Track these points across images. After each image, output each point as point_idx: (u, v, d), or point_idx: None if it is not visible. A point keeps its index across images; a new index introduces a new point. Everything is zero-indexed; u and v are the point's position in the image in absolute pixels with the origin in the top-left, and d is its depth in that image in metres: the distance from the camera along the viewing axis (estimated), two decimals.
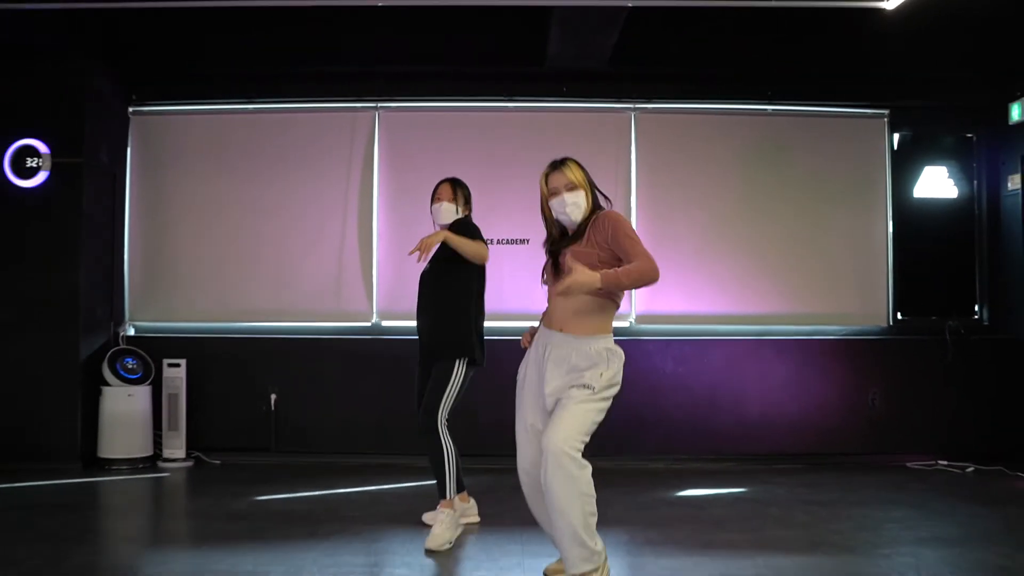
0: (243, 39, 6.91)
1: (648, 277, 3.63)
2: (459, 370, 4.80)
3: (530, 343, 4.02)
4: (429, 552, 4.47)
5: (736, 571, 4.18)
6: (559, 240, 4.01)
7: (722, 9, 6.27)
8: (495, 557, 4.40)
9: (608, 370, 3.74)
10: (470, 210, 5.14)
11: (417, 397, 4.97)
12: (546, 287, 4.00)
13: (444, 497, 4.74)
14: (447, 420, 4.78)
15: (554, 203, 3.92)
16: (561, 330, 3.81)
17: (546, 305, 3.97)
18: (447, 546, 4.55)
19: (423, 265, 4.98)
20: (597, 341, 3.79)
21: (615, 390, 3.78)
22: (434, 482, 4.82)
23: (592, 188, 3.96)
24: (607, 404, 3.75)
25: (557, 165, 3.96)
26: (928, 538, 4.77)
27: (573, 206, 3.89)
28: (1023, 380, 7.15)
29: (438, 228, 5.02)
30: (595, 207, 3.94)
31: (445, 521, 4.64)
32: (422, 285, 5.05)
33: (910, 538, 4.78)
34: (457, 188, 5.09)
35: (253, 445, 7.11)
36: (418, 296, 5.05)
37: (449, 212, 5.02)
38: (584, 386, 3.70)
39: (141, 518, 5.66)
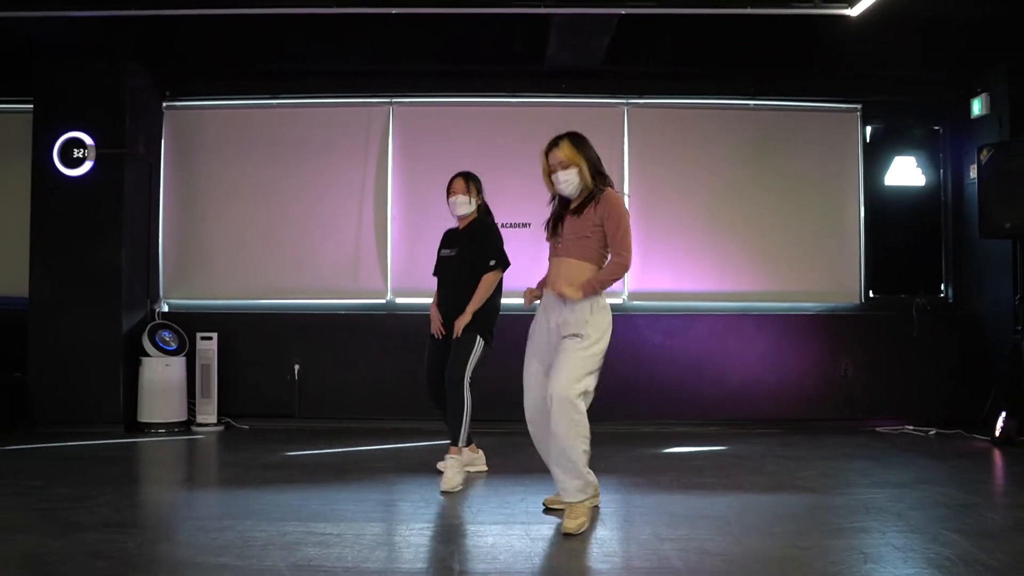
0: (267, 40, 7.50)
1: (619, 275, 4.41)
2: (479, 344, 5.45)
3: (530, 303, 4.67)
4: (444, 493, 5.09)
5: (710, 505, 4.84)
6: (561, 205, 4.61)
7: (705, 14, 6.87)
8: (501, 495, 5.06)
9: (593, 318, 4.36)
10: (482, 197, 5.74)
11: (431, 366, 5.58)
12: (548, 243, 4.65)
13: (456, 444, 5.36)
14: (470, 379, 5.40)
15: (552, 177, 4.52)
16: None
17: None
18: (459, 487, 5.18)
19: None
20: (584, 300, 4.40)
21: (606, 338, 4.39)
22: (446, 442, 5.46)
23: (590, 164, 4.47)
24: (600, 349, 4.37)
25: (554, 143, 4.52)
26: (881, 482, 5.42)
27: (565, 183, 4.48)
28: (982, 353, 7.75)
29: (456, 219, 5.72)
30: (596, 183, 4.47)
31: (455, 465, 5.27)
32: (448, 268, 5.67)
33: (865, 482, 5.44)
34: (469, 181, 5.67)
35: (279, 411, 7.76)
36: (442, 276, 5.71)
37: (464, 204, 5.63)
38: (574, 335, 4.33)
39: (186, 468, 6.35)
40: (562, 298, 4.42)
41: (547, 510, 4.64)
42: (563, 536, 4.16)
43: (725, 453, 6.57)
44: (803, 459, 6.29)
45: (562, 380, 4.26)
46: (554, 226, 4.59)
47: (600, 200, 4.42)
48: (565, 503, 4.38)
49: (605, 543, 4.08)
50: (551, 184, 4.56)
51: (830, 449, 6.71)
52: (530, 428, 4.59)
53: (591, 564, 3.79)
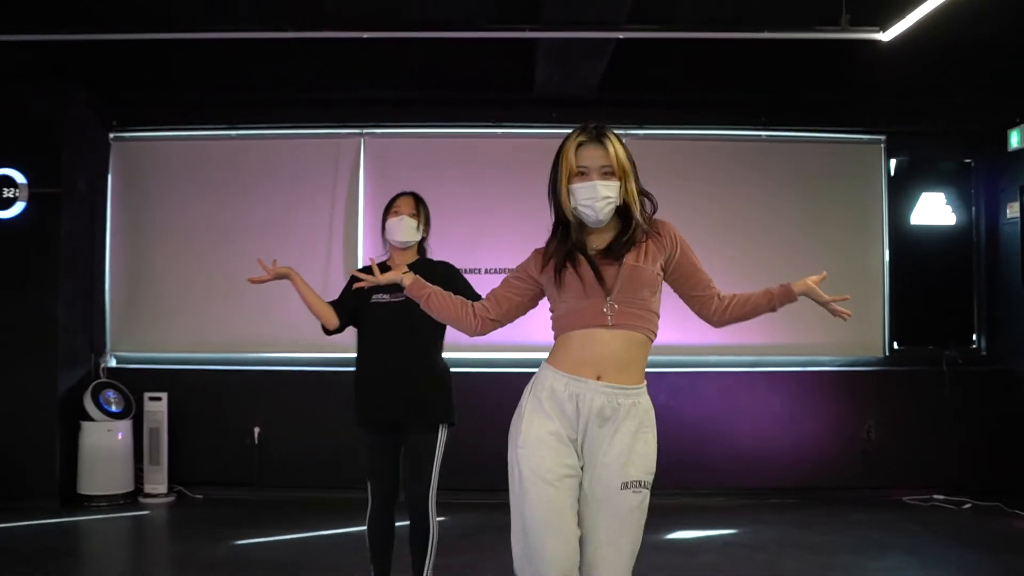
0: (226, 65, 6.78)
1: None
2: (443, 438, 4.13)
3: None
4: None
5: None
6: (576, 236, 2.90)
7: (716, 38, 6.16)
8: None
9: (654, 441, 2.89)
10: (428, 233, 4.33)
11: (383, 473, 4.17)
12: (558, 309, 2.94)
13: None
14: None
15: (579, 187, 2.84)
16: (599, 378, 2.80)
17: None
18: None
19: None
20: (643, 393, 2.88)
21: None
22: None
23: (637, 179, 2.90)
24: None
25: (597, 135, 2.87)
26: None
27: (605, 201, 2.82)
28: (1021, 411, 7.03)
29: (393, 245, 4.23)
30: (643, 207, 2.92)
31: None
32: (385, 323, 4.11)
33: None
34: (420, 204, 4.26)
35: (236, 479, 7.01)
36: (380, 336, 4.15)
37: (411, 229, 4.17)
38: (640, 484, 2.79)
39: (119, 567, 5.55)
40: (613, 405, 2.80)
41: None
42: None
43: (734, 540, 5.80)
44: (825, 551, 5.51)
45: (619, 558, 2.78)
46: (575, 270, 2.86)
47: (662, 228, 2.94)
48: None
49: None
50: (566, 198, 2.88)
51: (854, 532, 5.96)
52: None
53: None
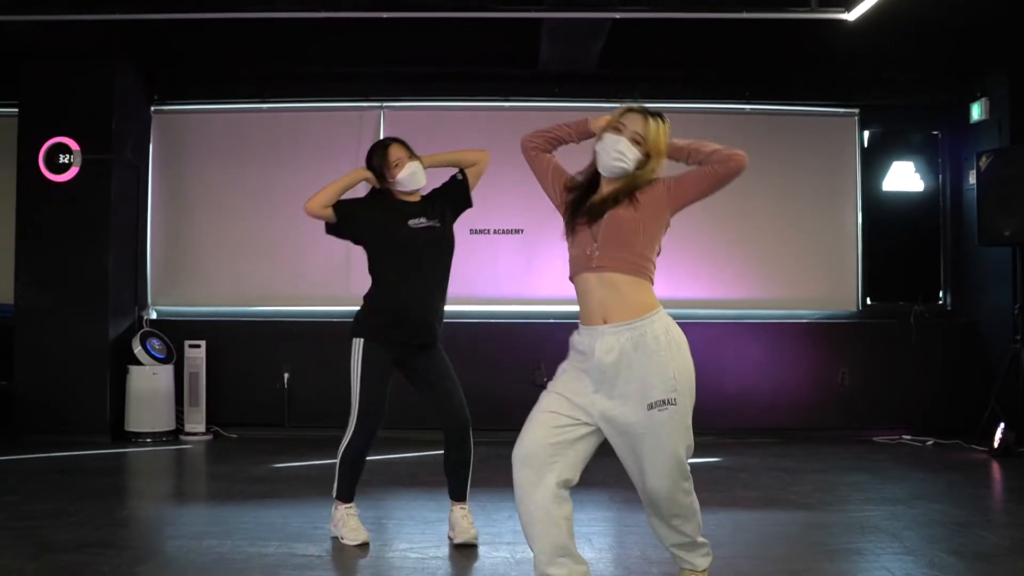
0: (258, 43, 7.36)
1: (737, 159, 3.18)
2: None
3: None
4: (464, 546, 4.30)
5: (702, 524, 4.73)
6: (585, 187, 3.29)
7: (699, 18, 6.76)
8: (488, 511, 4.91)
9: (675, 361, 3.07)
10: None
11: (382, 405, 4.36)
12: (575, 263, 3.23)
13: (465, 499, 4.41)
14: None
15: (607, 138, 3.19)
16: (605, 321, 3.10)
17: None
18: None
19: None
20: (653, 322, 3.09)
21: (693, 382, 3.11)
22: (437, 452, 4.58)
23: (659, 161, 3.24)
24: (692, 402, 3.12)
25: (648, 114, 3.25)
26: (876, 498, 5.32)
27: (617, 155, 3.16)
28: (981, 360, 7.65)
29: (404, 191, 4.32)
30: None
31: (469, 515, 4.38)
32: (422, 249, 4.25)
33: (860, 498, 5.34)
34: (407, 145, 4.37)
35: (268, 420, 7.66)
36: (407, 261, 4.24)
37: (421, 172, 4.29)
38: (664, 402, 3.03)
39: (171, 480, 6.28)
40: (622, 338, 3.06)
41: None
42: None
43: (719, 465, 6.47)
44: (798, 472, 6.18)
45: (669, 481, 3.10)
46: (575, 209, 3.26)
47: (655, 183, 3.26)
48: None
49: (593, 566, 3.95)
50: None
51: (826, 461, 6.61)
52: (518, 473, 3.11)
53: None
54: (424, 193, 4.40)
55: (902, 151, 8.16)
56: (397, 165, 4.26)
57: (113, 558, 3.97)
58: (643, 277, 3.15)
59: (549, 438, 3.08)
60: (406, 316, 4.23)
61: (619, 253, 3.14)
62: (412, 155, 4.30)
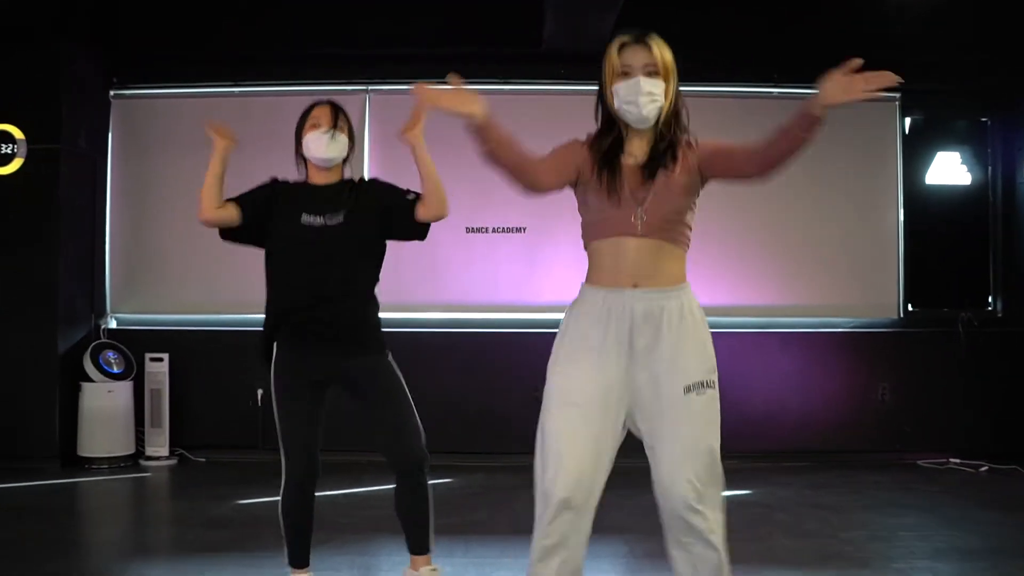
0: (230, 20, 6.72)
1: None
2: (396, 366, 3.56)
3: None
4: None
5: None
6: (614, 146, 2.85)
7: None
8: (486, 571, 4.16)
9: (709, 340, 2.81)
10: (353, 151, 3.70)
11: (311, 441, 3.58)
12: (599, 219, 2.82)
13: (429, 550, 3.60)
14: None
15: (622, 86, 2.77)
16: (635, 286, 2.74)
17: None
18: None
19: (334, 237, 3.53)
20: (686, 292, 2.81)
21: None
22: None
23: (678, 90, 2.86)
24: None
25: (639, 38, 2.81)
26: (945, 549, 4.52)
27: (648, 98, 2.74)
28: None
29: (314, 164, 3.62)
30: (677, 119, 2.87)
31: (438, 572, 3.62)
32: (317, 246, 3.49)
33: (926, 549, 4.53)
34: (342, 114, 3.63)
35: (238, 443, 6.90)
36: (309, 256, 3.50)
37: (341, 144, 3.56)
38: (703, 384, 2.69)
39: (120, 524, 5.45)
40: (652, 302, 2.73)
41: None
42: None
43: (751, 501, 5.66)
44: (843, 510, 5.39)
45: (702, 471, 2.69)
46: (611, 178, 2.78)
47: (691, 141, 2.87)
48: None
49: None
50: (611, 100, 2.83)
51: (871, 494, 5.83)
52: (560, 516, 2.67)
53: None
54: (357, 178, 3.67)
55: (948, 140, 7.36)
56: (314, 126, 3.55)
57: None
58: (684, 248, 2.86)
59: (587, 465, 2.71)
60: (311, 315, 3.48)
61: (667, 222, 2.78)
62: (340, 127, 3.55)
